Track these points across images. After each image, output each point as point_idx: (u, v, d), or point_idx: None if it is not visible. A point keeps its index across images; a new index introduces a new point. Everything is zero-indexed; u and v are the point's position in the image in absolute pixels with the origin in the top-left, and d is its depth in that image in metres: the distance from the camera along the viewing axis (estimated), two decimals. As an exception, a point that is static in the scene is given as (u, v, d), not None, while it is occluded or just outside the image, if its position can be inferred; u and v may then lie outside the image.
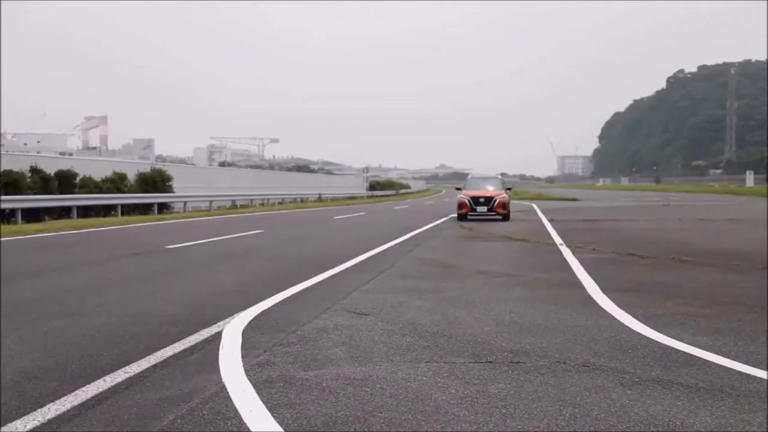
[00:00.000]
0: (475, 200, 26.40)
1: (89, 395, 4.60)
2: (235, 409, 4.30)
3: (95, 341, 6.17)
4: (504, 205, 26.35)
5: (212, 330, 6.60)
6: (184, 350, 5.84)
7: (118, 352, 5.76)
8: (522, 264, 12.17)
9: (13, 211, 23.99)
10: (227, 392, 4.64)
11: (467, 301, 8.25)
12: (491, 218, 26.07)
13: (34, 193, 25.91)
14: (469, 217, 26.31)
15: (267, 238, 18.23)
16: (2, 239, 16.83)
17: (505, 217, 26.11)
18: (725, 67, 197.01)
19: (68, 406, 4.39)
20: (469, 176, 31.16)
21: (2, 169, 25.34)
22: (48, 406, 4.39)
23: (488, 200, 26.27)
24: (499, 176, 31.64)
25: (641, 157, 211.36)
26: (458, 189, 28.75)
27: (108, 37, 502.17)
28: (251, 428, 3.99)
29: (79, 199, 27.82)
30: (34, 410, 4.31)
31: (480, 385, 4.84)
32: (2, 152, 29.88)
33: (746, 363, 5.42)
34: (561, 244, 15.80)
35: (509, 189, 28.53)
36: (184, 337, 6.28)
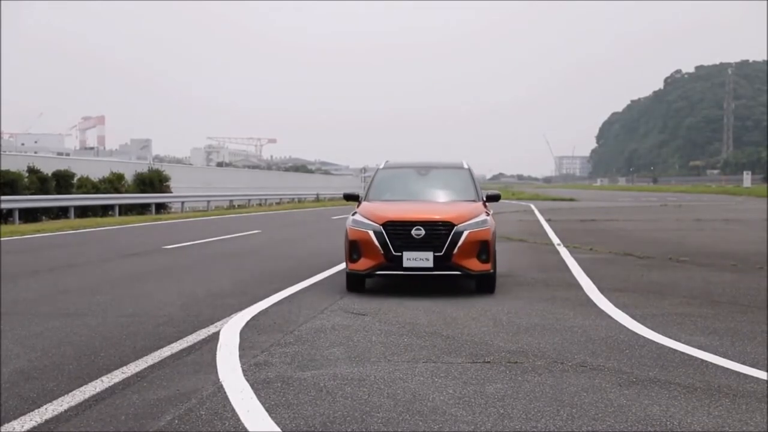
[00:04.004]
0: (397, 232, 8.64)
1: (87, 395, 4.61)
2: (233, 410, 4.30)
3: (92, 341, 6.17)
4: (483, 247, 8.72)
5: (210, 330, 6.60)
6: (182, 350, 5.84)
7: (116, 353, 5.76)
8: (519, 264, 12.18)
9: (10, 212, 23.96)
10: (225, 392, 4.65)
11: (464, 301, 8.25)
12: (444, 276, 9.01)
13: (32, 194, 25.86)
14: (379, 274, 8.93)
15: (265, 238, 18.22)
16: (0, 239, 16.82)
17: (486, 282, 8.90)
18: (722, 67, 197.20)
19: (66, 406, 4.39)
20: (384, 164, 10.84)
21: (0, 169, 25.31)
22: (45, 406, 4.39)
23: (435, 232, 8.62)
24: (467, 166, 10.56)
25: (638, 158, 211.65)
26: (350, 199, 10.14)
27: (105, 37, 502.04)
28: (249, 428, 4.00)
29: (76, 200, 27.75)
30: (32, 410, 4.31)
31: (477, 385, 4.84)
32: (0, 152, 29.84)
33: (743, 363, 5.43)
34: (558, 244, 15.81)
35: (494, 198, 9.96)
36: (181, 338, 6.29)
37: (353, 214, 9.10)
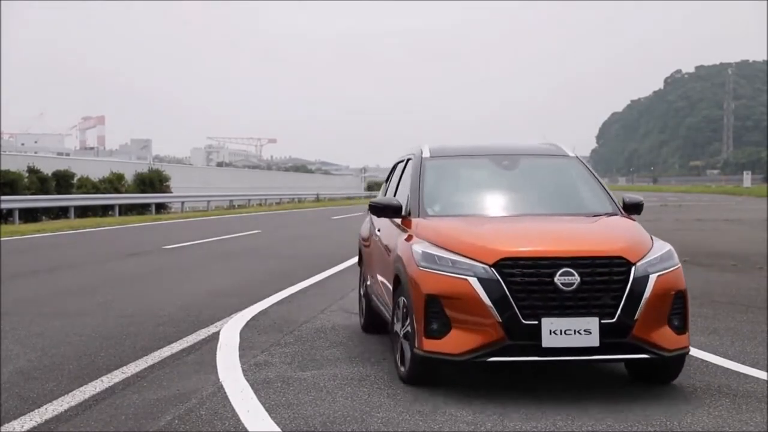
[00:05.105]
0: (528, 281, 4.53)
1: (87, 395, 4.61)
2: (233, 409, 4.30)
3: (92, 341, 6.16)
4: (678, 304, 4.74)
5: (210, 330, 6.60)
6: (182, 350, 5.84)
7: (116, 353, 5.76)
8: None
9: (10, 211, 23.96)
10: (225, 392, 4.65)
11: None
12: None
13: (32, 194, 25.86)
14: (494, 362, 4.57)
15: (266, 238, 18.22)
16: (0, 239, 16.82)
17: (671, 367, 4.85)
18: (722, 67, 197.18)
19: (66, 406, 4.39)
20: (431, 152, 6.08)
21: (0, 169, 25.31)
22: (45, 406, 4.39)
23: (601, 279, 4.56)
24: (572, 153, 6.14)
25: (638, 158, 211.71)
26: (383, 212, 5.80)
27: (106, 37, 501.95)
28: (249, 428, 4.00)
29: (76, 200, 27.77)
30: (32, 410, 4.31)
31: (478, 384, 4.83)
32: (0, 152, 29.85)
33: (743, 363, 5.43)
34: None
35: (637, 207, 5.54)
36: (181, 338, 6.28)
37: (408, 239, 5.15)
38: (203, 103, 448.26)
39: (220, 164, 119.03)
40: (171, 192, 36.43)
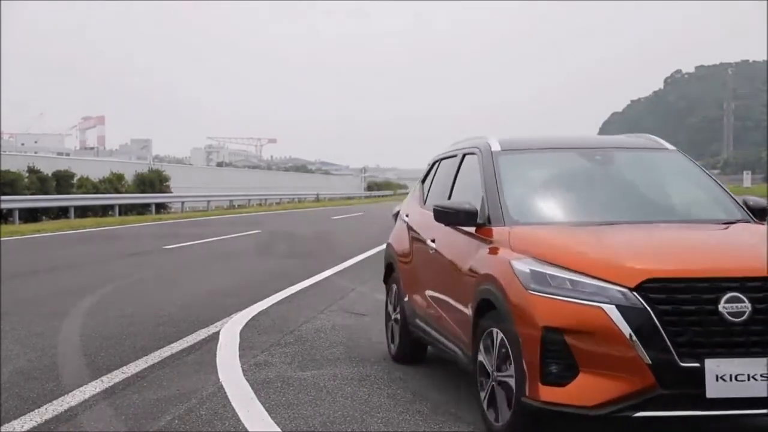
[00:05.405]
0: (683, 309, 3.38)
1: (87, 395, 4.60)
2: (233, 410, 4.30)
3: (92, 341, 6.16)
4: None
5: (210, 330, 6.60)
6: (182, 350, 5.84)
7: (116, 353, 5.75)
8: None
9: (10, 211, 23.96)
10: (225, 392, 4.65)
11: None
12: None
13: (32, 194, 25.86)
14: (640, 417, 3.38)
15: (266, 238, 18.20)
16: (0, 239, 16.81)
17: None
18: (722, 67, 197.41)
19: (66, 406, 4.39)
20: (501, 145, 4.80)
21: (0, 169, 25.32)
22: (45, 406, 4.39)
23: None
24: (671, 147, 5.04)
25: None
26: (455, 218, 4.40)
27: (106, 37, 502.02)
28: (249, 428, 4.00)
29: (76, 200, 27.78)
30: (32, 410, 4.31)
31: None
32: (0, 152, 29.86)
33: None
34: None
35: (762, 211, 4.49)
36: (181, 338, 6.28)
37: (493, 251, 4.10)
38: (203, 103, 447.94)
39: (220, 164, 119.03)
40: (171, 192, 36.43)
